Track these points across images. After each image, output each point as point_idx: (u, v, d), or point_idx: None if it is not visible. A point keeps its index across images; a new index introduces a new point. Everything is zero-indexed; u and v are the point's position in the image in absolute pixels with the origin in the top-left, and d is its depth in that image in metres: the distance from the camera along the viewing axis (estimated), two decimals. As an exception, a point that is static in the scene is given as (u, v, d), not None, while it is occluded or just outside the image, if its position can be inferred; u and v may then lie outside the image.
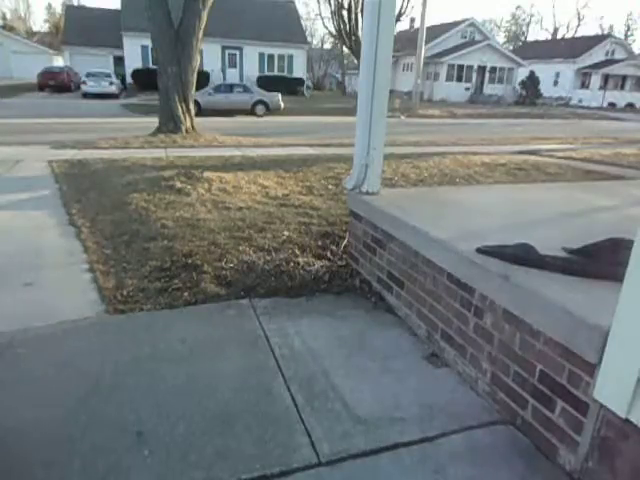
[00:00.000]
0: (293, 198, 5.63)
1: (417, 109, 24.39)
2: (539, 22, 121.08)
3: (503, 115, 25.83)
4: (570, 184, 5.98)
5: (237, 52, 33.52)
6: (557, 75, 42.94)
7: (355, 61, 38.43)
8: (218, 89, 20.90)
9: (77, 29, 34.32)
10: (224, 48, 32.69)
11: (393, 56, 3.54)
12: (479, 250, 2.34)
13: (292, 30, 35.27)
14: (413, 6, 79.74)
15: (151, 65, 27.45)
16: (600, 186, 5.22)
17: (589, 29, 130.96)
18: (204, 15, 11.27)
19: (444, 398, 2.28)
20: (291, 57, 34.96)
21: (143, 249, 3.91)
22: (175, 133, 11.37)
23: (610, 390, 1.64)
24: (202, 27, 11.37)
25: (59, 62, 39.99)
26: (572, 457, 1.83)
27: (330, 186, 6.37)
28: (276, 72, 34.34)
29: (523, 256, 2.24)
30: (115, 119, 16.95)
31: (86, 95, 25.71)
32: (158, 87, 11.68)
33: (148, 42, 14.56)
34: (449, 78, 37.33)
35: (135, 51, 30.78)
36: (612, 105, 40.04)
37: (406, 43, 34.01)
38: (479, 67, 37.52)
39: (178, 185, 5.85)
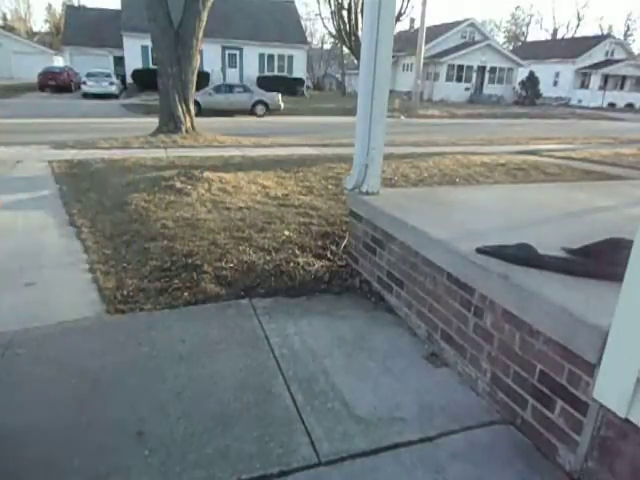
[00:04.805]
0: (293, 198, 5.63)
1: (417, 109, 24.39)
2: (539, 22, 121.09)
3: (503, 115, 25.83)
4: (570, 184, 5.98)
5: (237, 52, 33.51)
6: (557, 75, 42.95)
7: (355, 61, 38.44)
8: (218, 89, 20.89)
9: (77, 29, 34.33)
10: (224, 48, 32.68)
11: (393, 56, 3.55)
12: (479, 250, 2.34)
13: (292, 30, 35.26)
14: (413, 6, 79.88)
15: (151, 65, 27.41)
16: (599, 186, 5.22)
17: (589, 29, 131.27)
18: (204, 15, 11.27)
19: (444, 398, 2.28)
20: (291, 57, 34.95)
21: (143, 249, 3.91)
22: (175, 133, 11.37)
23: (610, 390, 1.65)
24: (202, 27, 11.37)
25: (59, 62, 39.98)
26: (572, 457, 1.84)
27: (330, 186, 6.37)
28: (276, 72, 34.32)
29: (523, 256, 2.24)
30: (115, 119, 16.96)
31: (86, 95, 25.71)
32: (158, 87, 11.68)
33: (148, 42, 14.55)
34: (449, 78, 37.32)
35: (135, 51, 30.76)
36: (612, 105, 40.03)
37: (406, 43, 34.01)
38: (479, 67, 37.51)
39: (178, 185, 5.85)
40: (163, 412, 2.10)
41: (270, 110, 20.81)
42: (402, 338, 2.82)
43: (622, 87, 41.94)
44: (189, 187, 5.80)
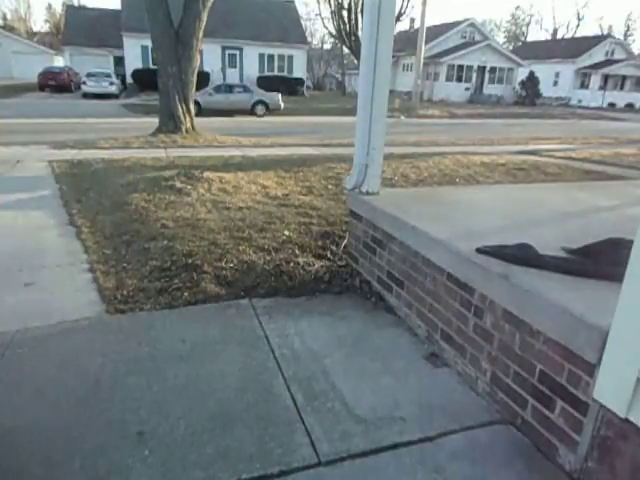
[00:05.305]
0: (293, 198, 5.63)
1: (417, 109, 24.39)
2: (539, 22, 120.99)
3: (503, 115, 25.84)
4: (570, 184, 5.99)
5: (237, 52, 33.50)
6: (557, 75, 42.96)
7: (355, 61, 38.42)
8: (218, 89, 20.90)
9: (77, 29, 34.32)
10: (224, 48, 32.67)
11: (393, 56, 3.55)
12: (479, 250, 2.34)
13: (292, 30, 35.25)
14: (413, 6, 79.82)
15: (151, 65, 27.42)
16: (599, 186, 5.22)
17: (589, 29, 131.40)
18: (204, 15, 11.28)
19: (444, 398, 2.28)
20: (291, 57, 34.94)
21: (143, 249, 3.91)
22: (175, 133, 11.37)
23: (610, 390, 1.65)
24: (202, 27, 11.38)
25: (59, 62, 40.00)
26: (572, 457, 1.84)
27: (330, 186, 6.37)
28: (276, 72, 34.32)
29: (523, 256, 2.24)
30: (115, 119, 16.96)
31: (86, 95, 25.72)
32: (158, 87, 11.68)
33: (148, 42, 14.56)
34: (449, 78, 37.32)
35: (135, 51, 30.75)
36: (612, 105, 40.03)
37: (406, 43, 34.01)
38: (479, 67, 37.51)
39: (178, 185, 5.85)
40: (163, 412, 2.10)
41: (270, 110, 20.82)
42: (402, 338, 2.82)
43: (622, 87, 41.94)
44: (189, 187, 5.80)
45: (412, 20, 43.24)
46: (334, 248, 3.95)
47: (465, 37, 39.32)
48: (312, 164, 8.00)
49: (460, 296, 2.42)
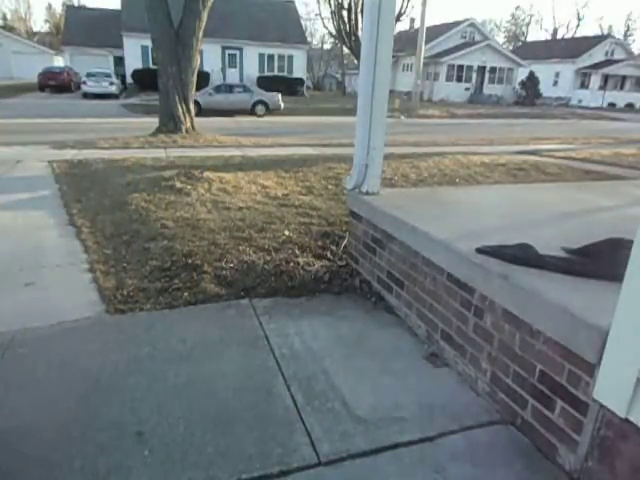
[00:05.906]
0: (293, 198, 5.63)
1: (417, 109, 24.38)
2: (539, 22, 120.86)
3: (503, 115, 25.84)
4: (570, 184, 5.99)
5: (237, 52, 33.51)
6: (557, 75, 42.96)
7: (355, 61, 38.42)
8: (218, 89, 20.91)
9: (77, 29, 34.32)
10: (224, 48, 32.68)
11: (393, 56, 3.55)
12: (479, 250, 2.34)
13: (292, 30, 35.26)
14: (413, 6, 79.45)
15: (151, 65, 27.41)
16: (600, 186, 5.22)
17: (589, 29, 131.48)
18: (204, 15, 11.29)
19: (444, 398, 2.28)
20: (291, 57, 34.94)
21: (143, 249, 3.91)
22: (175, 133, 11.38)
23: (610, 390, 1.65)
24: (202, 27, 11.39)
25: (59, 62, 39.99)
26: (572, 457, 1.84)
27: (330, 186, 6.37)
28: (276, 72, 34.32)
29: (523, 256, 2.24)
30: (115, 119, 16.95)
31: (86, 95, 25.72)
32: (158, 87, 11.69)
33: (148, 42, 14.57)
34: (449, 78, 37.32)
35: (135, 51, 30.76)
36: (612, 105, 40.03)
37: (406, 43, 33.98)
38: (479, 67, 37.51)
39: (178, 185, 5.85)
40: (163, 412, 2.10)
41: (270, 110, 20.82)
42: (402, 338, 2.82)
43: (622, 87, 41.94)
44: (189, 187, 5.80)
45: (412, 20, 43.25)
46: (334, 248, 3.95)
47: (465, 37, 39.31)
48: (312, 164, 8.00)
49: (460, 296, 2.42)
